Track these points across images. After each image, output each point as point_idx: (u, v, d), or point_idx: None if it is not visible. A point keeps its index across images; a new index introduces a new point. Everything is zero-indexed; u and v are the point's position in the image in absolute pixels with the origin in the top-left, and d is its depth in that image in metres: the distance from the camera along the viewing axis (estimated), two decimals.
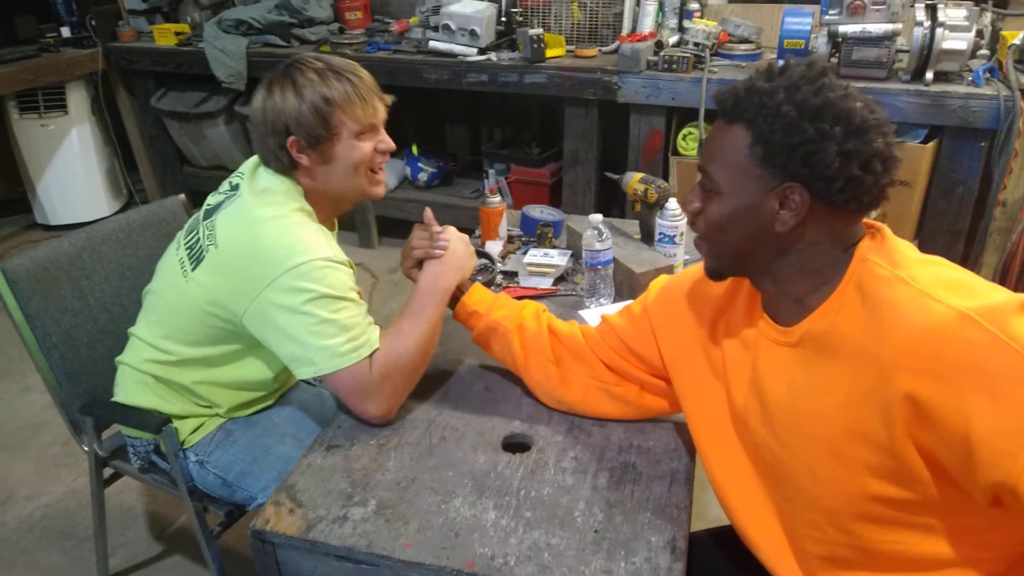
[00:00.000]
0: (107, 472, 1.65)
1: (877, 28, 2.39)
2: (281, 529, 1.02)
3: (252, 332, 1.24)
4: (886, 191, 0.85)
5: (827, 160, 0.81)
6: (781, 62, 0.89)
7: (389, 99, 1.32)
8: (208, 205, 1.35)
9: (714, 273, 0.99)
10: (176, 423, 1.39)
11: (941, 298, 0.77)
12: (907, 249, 0.86)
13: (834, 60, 2.55)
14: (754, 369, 0.97)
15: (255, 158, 1.36)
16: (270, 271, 1.18)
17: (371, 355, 1.20)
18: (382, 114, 1.31)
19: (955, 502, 0.80)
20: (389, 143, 1.32)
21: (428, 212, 1.35)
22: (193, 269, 1.28)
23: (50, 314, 1.49)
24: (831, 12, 2.44)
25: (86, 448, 1.58)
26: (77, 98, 3.67)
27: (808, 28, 2.55)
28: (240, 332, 1.26)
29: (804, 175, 0.83)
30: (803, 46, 2.56)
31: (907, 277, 0.80)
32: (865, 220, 0.91)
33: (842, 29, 2.43)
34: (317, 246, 1.20)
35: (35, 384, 2.58)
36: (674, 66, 2.67)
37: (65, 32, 3.66)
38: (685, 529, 1.00)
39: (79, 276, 1.55)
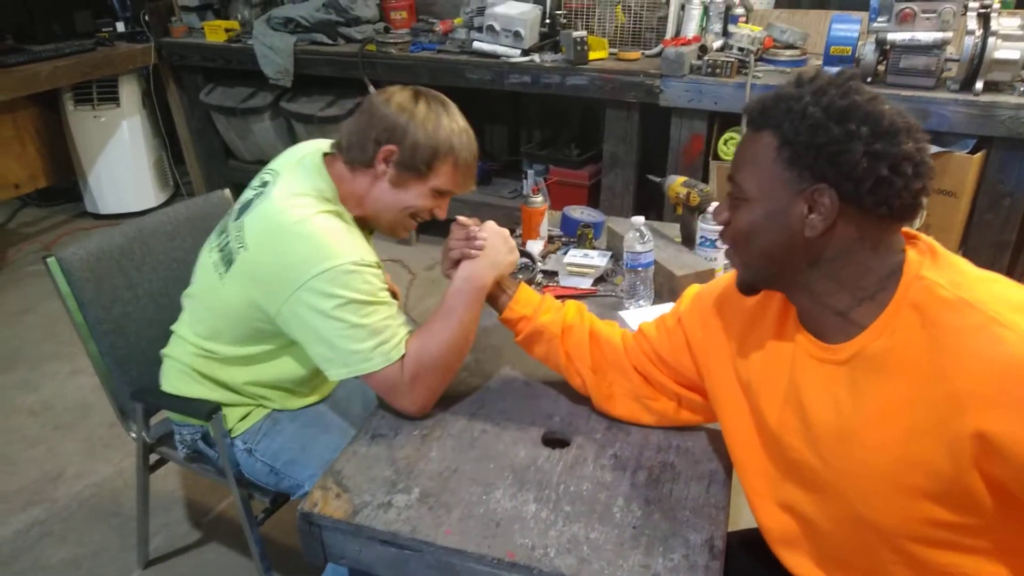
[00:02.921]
0: (153, 457, 1.70)
1: (927, 36, 2.36)
2: (328, 512, 1.05)
3: (286, 332, 1.26)
4: (919, 198, 0.83)
5: (854, 160, 0.80)
6: (812, 71, 0.89)
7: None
8: (241, 203, 1.36)
9: (747, 287, 0.97)
10: (224, 411, 1.43)
11: (1013, 325, 0.74)
12: (964, 265, 0.84)
13: (881, 68, 2.53)
14: (791, 384, 0.94)
15: (291, 156, 1.37)
16: (298, 276, 1.18)
17: (401, 358, 1.22)
18: (463, 192, 1.37)
19: (1017, 525, 0.79)
20: (443, 214, 1.36)
21: (460, 218, 1.33)
22: (226, 271, 1.29)
23: (101, 303, 1.54)
24: (880, 19, 2.42)
25: (134, 435, 1.62)
26: (129, 91, 3.78)
27: (856, 35, 2.53)
28: (278, 331, 1.28)
29: (831, 176, 0.82)
30: (850, 53, 2.54)
31: (973, 300, 0.77)
32: (906, 231, 0.89)
33: (891, 37, 2.41)
34: (344, 250, 1.20)
35: (84, 367, 2.66)
36: (718, 71, 2.67)
37: (120, 27, 3.78)
38: (723, 529, 1.01)
39: (129, 267, 1.59)
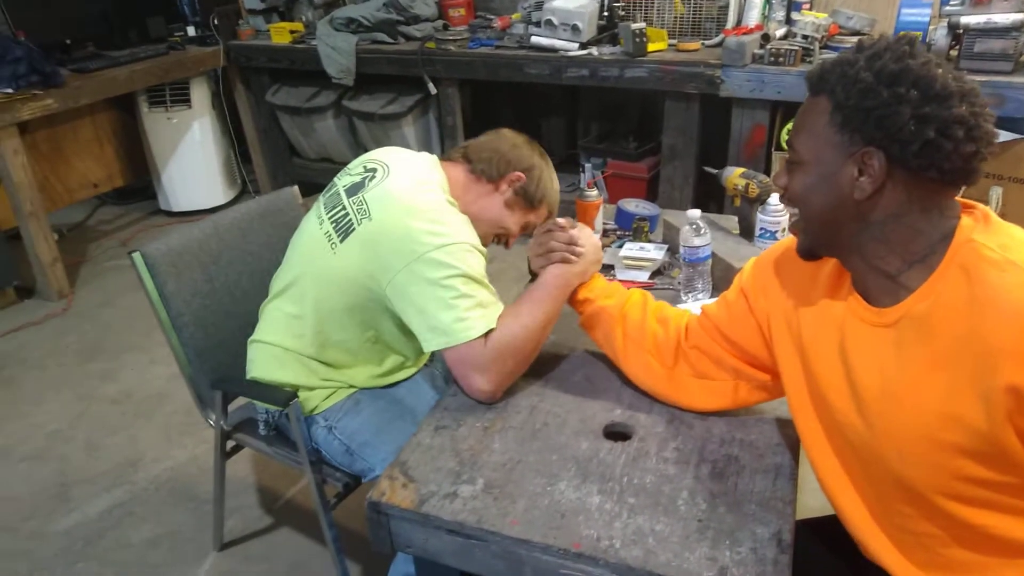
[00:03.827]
0: (229, 444, 1.77)
1: (1004, 19, 2.27)
2: (395, 501, 1.08)
3: (392, 302, 1.33)
4: (971, 162, 0.83)
5: (900, 123, 0.81)
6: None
7: None
8: (344, 185, 1.44)
9: (806, 252, 0.99)
10: (307, 393, 1.49)
11: None
12: (1017, 232, 0.84)
13: (954, 53, 2.44)
14: (841, 347, 0.96)
15: (399, 152, 1.50)
16: (421, 246, 1.27)
17: (487, 333, 1.27)
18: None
19: None
20: (510, 246, 1.60)
21: (561, 220, 1.43)
22: (342, 241, 1.37)
23: (182, 296, 1.60)
24: (952, 2, 2.34)
25: (212, 422, 1.69)
26: (200, 93, 3.92)
27: (927, 19, 2.45)
28: (380, 306, 1.36)
29: (879, 139, 0.83)
30: (920, 38, 2.45)
31: (1019, 261, 0.79)
32: (963, 200, 0.89)
33: (964, 20, 2.32)
34: (465, 231, 1.33)
35: (160, 357, 2.80)
36: (781, 59, 2.62)
37: (191, 31, 3.92)
38: (791, 523, 1.00)
39: (207, 261, 1.66)
